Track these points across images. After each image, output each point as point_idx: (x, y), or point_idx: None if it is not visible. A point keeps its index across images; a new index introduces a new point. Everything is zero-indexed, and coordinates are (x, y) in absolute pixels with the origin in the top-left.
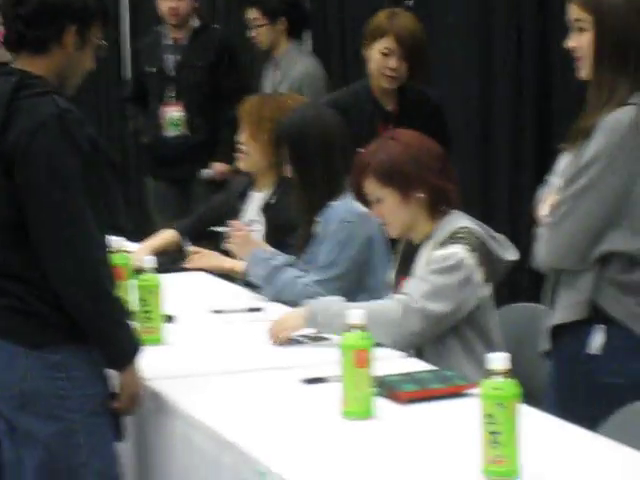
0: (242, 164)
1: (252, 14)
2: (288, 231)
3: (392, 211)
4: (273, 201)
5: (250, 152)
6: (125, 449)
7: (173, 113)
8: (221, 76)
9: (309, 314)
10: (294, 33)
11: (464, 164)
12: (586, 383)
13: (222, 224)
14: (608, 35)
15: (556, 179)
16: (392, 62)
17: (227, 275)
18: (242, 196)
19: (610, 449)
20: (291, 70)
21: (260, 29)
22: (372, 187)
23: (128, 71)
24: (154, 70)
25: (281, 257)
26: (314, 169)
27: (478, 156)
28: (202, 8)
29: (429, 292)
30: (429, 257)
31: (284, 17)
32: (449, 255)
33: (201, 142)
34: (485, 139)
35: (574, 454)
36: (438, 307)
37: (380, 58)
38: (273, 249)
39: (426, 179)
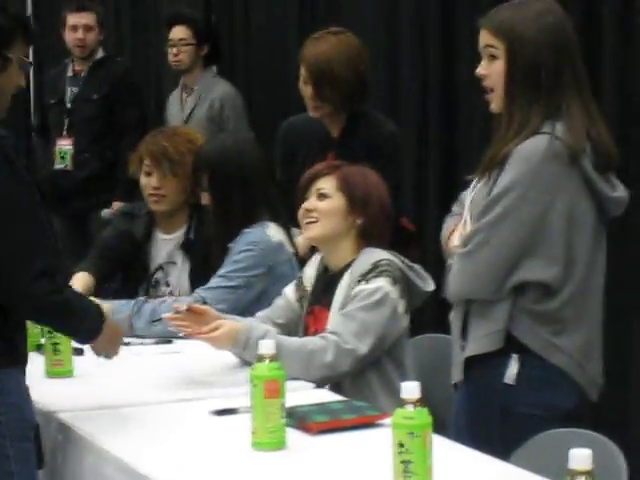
0: (159, 207)
1: (180, 33)
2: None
3: (329, 213)
4: (193, 236)
5: (168, 193)
6: None
7: (62, 146)
8: (117, 110)
9: (241, 336)
10: (209, 61)
11: None
12: (501, 414)
13: (126, 264)
14: (520, 63)
15: (462, 209)
16: (308, 90)
17: None
18: (147, 237)
19: (522, 477)
20: (209, 93)
21: (185, 49)
22: (328, 184)
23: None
24: (54, 102)
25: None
26: (232, 196)
27: None
28: (107, 39)
29: (359, 331)
30: (350, 289)
31: (208, 43)
32: (374, 290)
33: (87, 178)
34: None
35: None
36: (367, 346)
37: (302, 86)
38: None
39: (374, 214)
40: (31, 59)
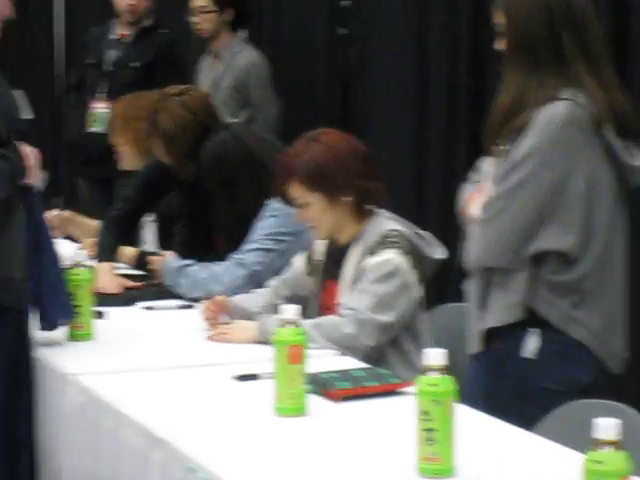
0: (122, 164)
1: (200, 0)
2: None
3: (319, 215)
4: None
5: (125, 152)
6: (53, 443)
7: (99, 110)
8: (158, 79)
9: (262, 328)
10: (236, 26)
11: (397, 162)
12: (519, 387)
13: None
14: (515, 36)
15: (480, 177)
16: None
17: None
18: None
19: (546, 448)
20: (235, 61)
21: (206, 16)
22: (298, 192)
23: (61, 67)
24: (92, 62)
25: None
26: (243, 186)
27: (411, 154)
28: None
29: (374, 304)
30: (360, 263)
31: (231, 7)
32: (384, 262)
33: None
34: (419, 137)
35: (510, 453)
36: (386, 317)
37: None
38: None
39: (352, 182)
40: (62, 24)
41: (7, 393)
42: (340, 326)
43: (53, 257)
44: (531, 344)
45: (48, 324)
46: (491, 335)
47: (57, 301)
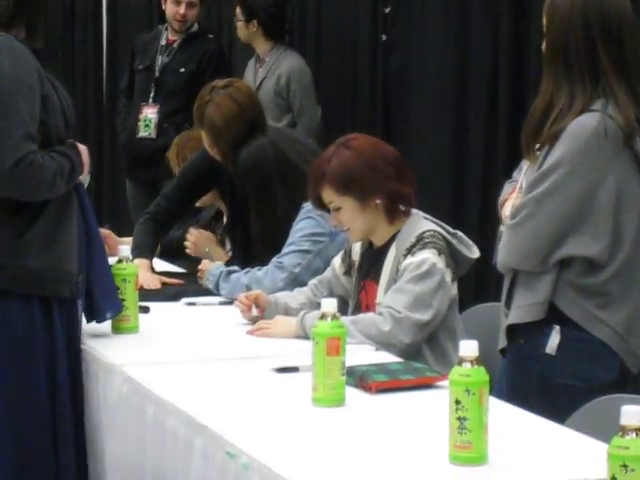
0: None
1: (237, 9)
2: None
3: (351, 218)
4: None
5: None
6: (99, 431)
7: (147, 114)
8: (205, 85)
9: (301, 323)
10: (273, 35)
11: (437, 165)
12: (540, 383)
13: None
14: (551, 40)
15: (521, 176)
16: (216, 154)
17: None
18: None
19: (576, 439)
20: (277, 67)
21: (239, 24)
22: (330, 196)
23: (105, 72)
24: (143, 67)
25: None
26: (277, 192)
27: (451, 158)
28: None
29: (410, 302)
30: (398, 263)
31: (256, 21)
32: (421, 262)
33: (164, 146)
34: (459, 141)
35: (540, 443)
36: (423, 315)
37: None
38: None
39: (382, 185)
40: (104, 30)
41: (69, 378)
42: (378, 323)
43: (102, 250)
44: (553, 341)
45: (97, 316)
46: (515, 331)
47: (106, 294)
